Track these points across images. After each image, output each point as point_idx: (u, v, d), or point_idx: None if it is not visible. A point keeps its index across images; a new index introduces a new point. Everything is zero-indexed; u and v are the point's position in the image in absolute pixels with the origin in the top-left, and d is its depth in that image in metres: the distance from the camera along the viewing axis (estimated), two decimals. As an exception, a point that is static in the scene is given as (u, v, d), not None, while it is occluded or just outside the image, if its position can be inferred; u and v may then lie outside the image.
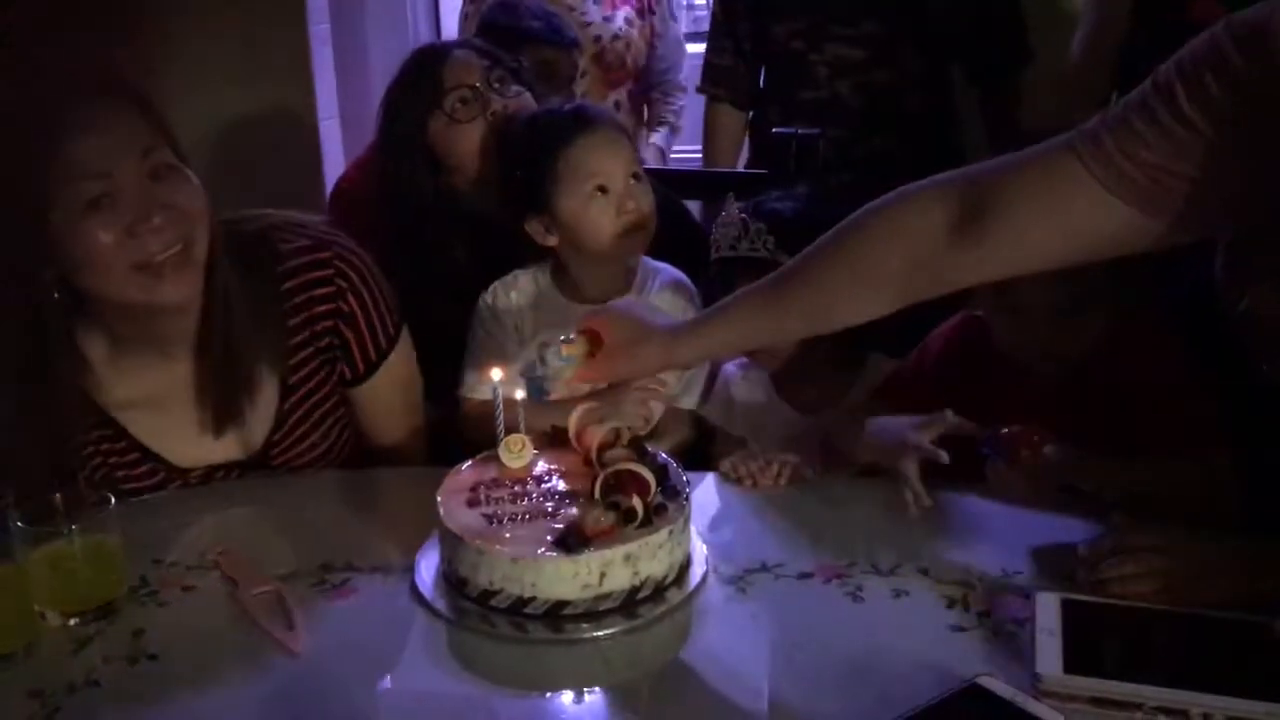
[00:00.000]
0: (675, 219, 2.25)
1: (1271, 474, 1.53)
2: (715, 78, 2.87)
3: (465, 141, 2.12)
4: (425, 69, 2.15)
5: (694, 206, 2.63)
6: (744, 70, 2.81)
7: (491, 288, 2.01)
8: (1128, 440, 1.61)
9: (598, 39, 3.20)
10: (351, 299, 1.76)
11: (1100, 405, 1.65)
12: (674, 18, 3.51)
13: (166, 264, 1.53)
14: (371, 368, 1.81)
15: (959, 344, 1.78)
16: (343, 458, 1.85)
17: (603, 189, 1.90)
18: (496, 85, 2.15)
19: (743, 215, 1.88)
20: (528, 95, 2.19)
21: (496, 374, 1.56)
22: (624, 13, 3.28)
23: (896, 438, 1.57)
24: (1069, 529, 1.51)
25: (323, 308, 1.74)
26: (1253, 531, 1.42)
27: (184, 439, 1.71)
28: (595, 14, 3.21)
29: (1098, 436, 1.63)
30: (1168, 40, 1.24)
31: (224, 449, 1.74)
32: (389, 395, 1.85)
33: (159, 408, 1.69)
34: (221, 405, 1.68)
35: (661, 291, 1.99)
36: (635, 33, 3.28)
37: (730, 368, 2.04)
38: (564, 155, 1.90)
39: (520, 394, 1.57)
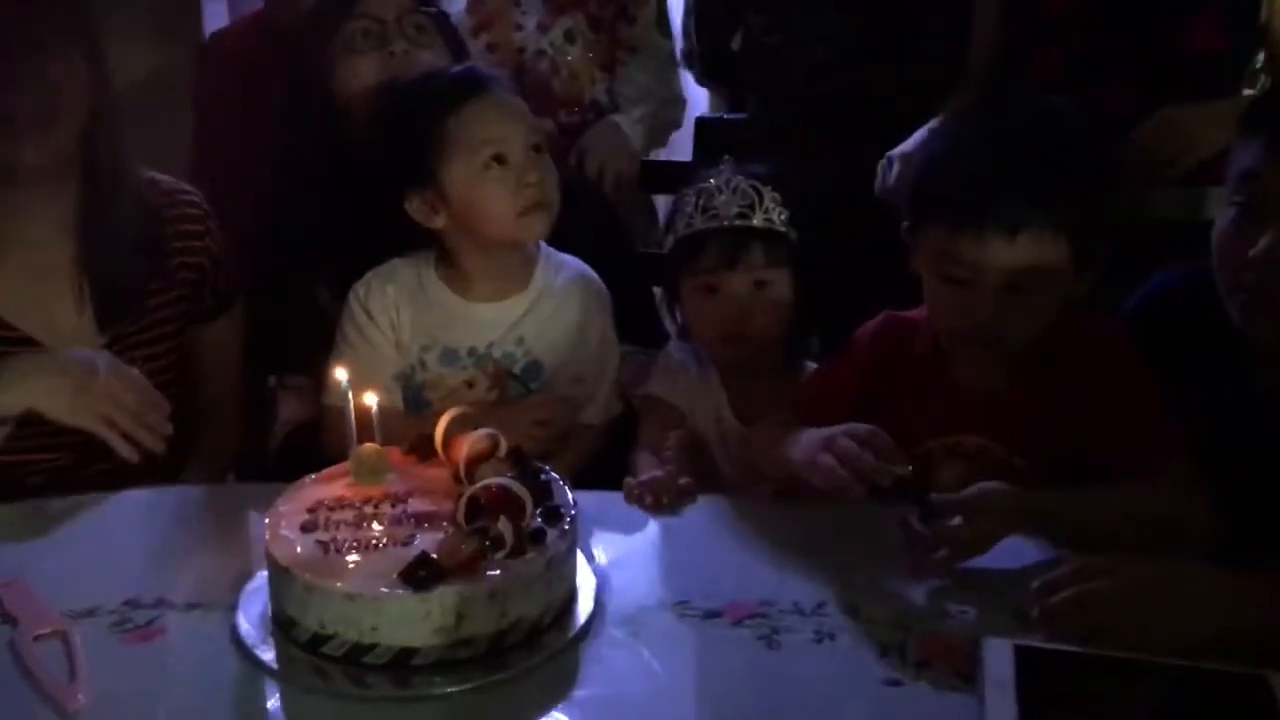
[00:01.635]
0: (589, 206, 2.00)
1: (1259, 492, 1.31)
2: (691, 62, 2.61)
3: (353, 78, 1.81)
4: None
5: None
6: (716, 58, 2.56)
7: (365, 279, 1.72)
8: (1074, 459, 1.42)
9: (520, 50, 2.43)
10: (218, 236, 1.76)
11: (1042, 413, 1.45)
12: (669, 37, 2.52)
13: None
14: (220, 309, 1.79)
15: (885, 344, 1.55)
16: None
17: (499, 158, 1.63)
18: (412, 32, 1.88)
19: (753, 183, 1.65)
20: (437, 54, 1.91)
21: (342, 374, 1.30)
22: (566, 24, 2.42)
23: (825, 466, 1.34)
24: (1019, 553, 1.30)
25: (196, 243, 1.74)
26: (1232, 560, 1.21)
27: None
28: (529, 23, 2.43)
29: (1037, 451, 1.44)
30: None
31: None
32: (227, 340, 1.81)
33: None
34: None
35: (568, 288, 1.74)
36: (575, 54, 2.45)
37: (677, 347, 1.78)
38: (453, 119, 1.63)
39: (371, 400, 1.31)
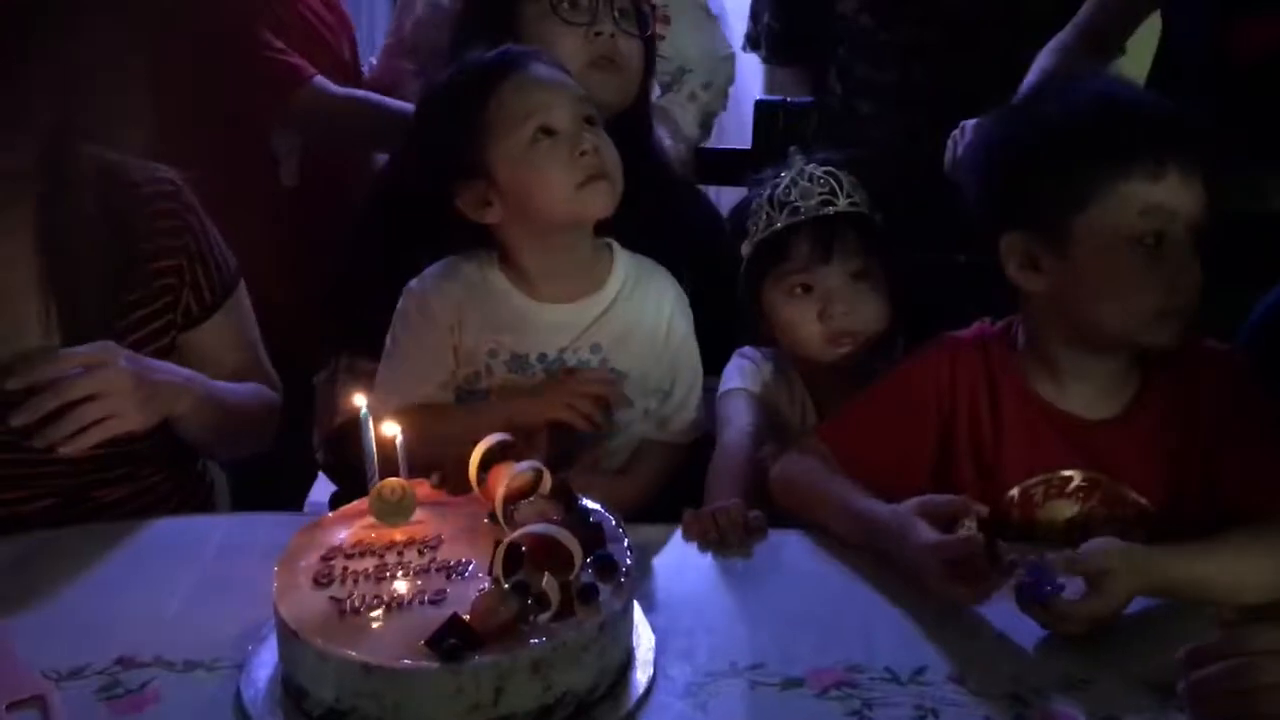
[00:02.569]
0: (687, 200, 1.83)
1: None
2: (771, 43, 2.42)
3: (560, 48, 1.62)
4: None
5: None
6: (799, 38, 2.37)
7: (422, 276, 1.54)
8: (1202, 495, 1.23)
9: None
10: (198, 224, 1.53)
11: (1155, 441, 1.28)
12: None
13: None
14: (212, 308, 1.54)
15: (938, 381, 1.34)
16: None
17: (546, 129, 1.45)
18: (618, 16, 1.68)
19: (828, 169, 1.52)
20: (633, 48, 1.71)
21: (361, 400, 1.13)
22: None
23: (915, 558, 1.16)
24: (1160, 614, 1.12)
25: (173, 242, 1.49)
26: None
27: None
28: None
29: (1154, 486, 1.27)
30: None
31: None
32: (230, 339, 1.58)
33: None
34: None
35: (647, 289, 1.55)
36: None
37: (751, 349, 1.60)
38: (493, 99, 1.46)
39: (393, 430, 1.14)
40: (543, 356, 1.50)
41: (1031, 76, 1.79)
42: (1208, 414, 1.26)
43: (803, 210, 1.49)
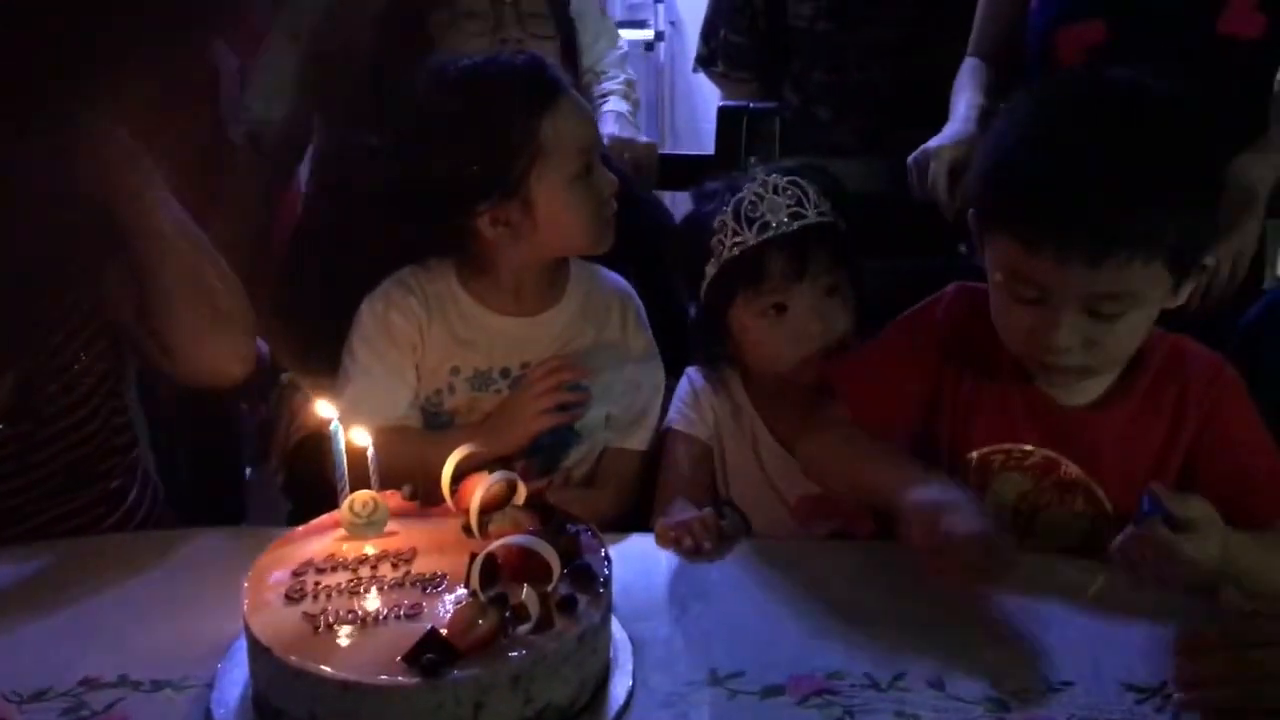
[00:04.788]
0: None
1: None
2: (730, 56, 2.42)
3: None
4: None
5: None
6: (757, 49, 2.37)
7: (382, 289, 1.51)
8: None
9: None
10: None
11: (1130, 437, 1.27)
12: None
13: None
14: None
15: (959, 328, 1.32)
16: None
17: (589, 168, 1.45)
18: (528, 19, 1.68)
19: (791, 178, 1.44)
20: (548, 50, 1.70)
21: (326, 408, 1.11)
22: None
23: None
24: (1139, 616, 1.11)
25: None
26: None
27: None
28: None
29: (1119, 482, 1.27)
30: None
31: None
32: None
33: None
34: None
35: (607, 301, 1.54)
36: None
37: (696, 372, 1.56)
38: (548, 122, 1.42)
39: (364, 439, 1.12)
40: (505, 371, 1.48)
41: (967, 110, 1.79)
42: (1194, 414, 1.25)
43: (773, 225, 1.42)
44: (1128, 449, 1.27)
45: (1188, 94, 1.17)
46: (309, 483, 1.44)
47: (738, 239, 1.43)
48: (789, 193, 1.43)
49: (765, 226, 1.42)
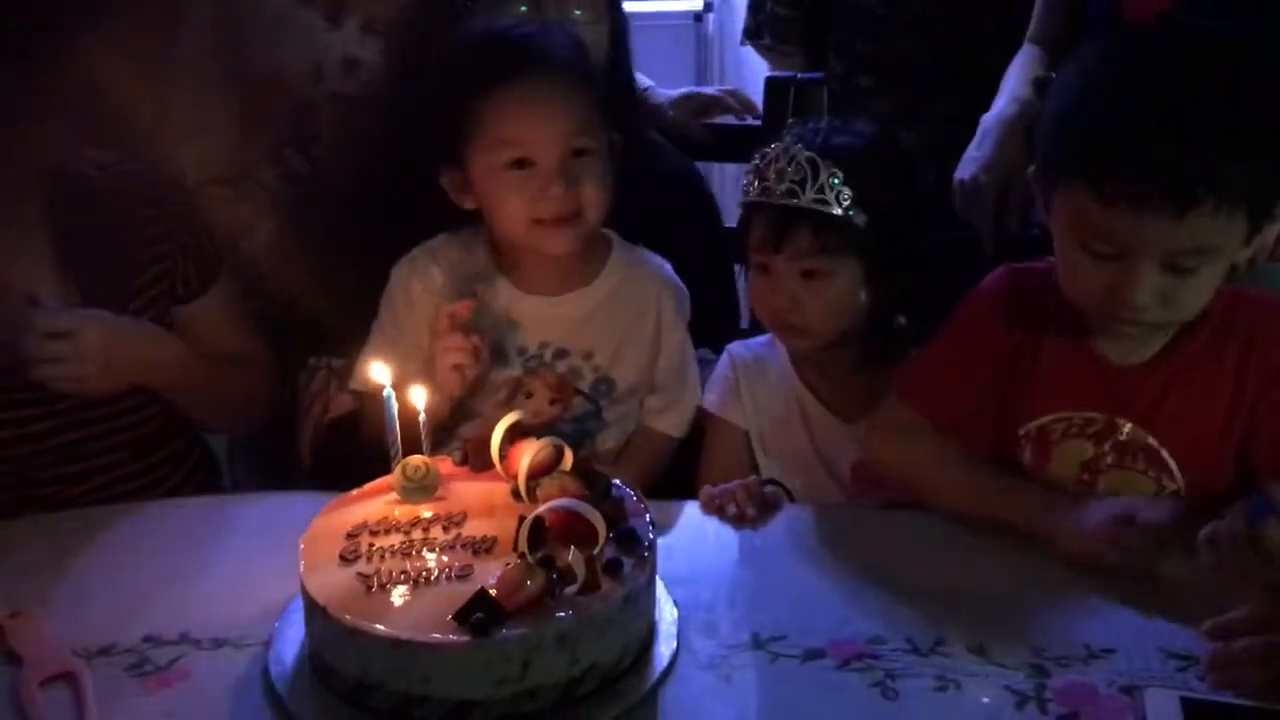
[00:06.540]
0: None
1: None
2: (776, 29, 2.43)
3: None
4: None
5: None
6: (803, 22, 2.38)
7: (410, 256, 1.53)
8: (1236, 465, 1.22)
9: None
10: (180, 222, 1.54)
11: (1197, 400, 1.25)
12: None
13: None
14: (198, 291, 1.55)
15: (1009, 312, 1.32)
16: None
17: (521, 163, 1.42)
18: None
19: (812, 155, 1.41)
20: (595, 32, 1.69)
21: (381, 370, 1.13)
22: None
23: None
24: (1180, 585, 1.12)
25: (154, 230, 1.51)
26: None
27: None
28: None
29: (1186, 446, 1.25)
30: None
31: None
32: (216, 314, 1.58)
33: None
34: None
35: (643, 290, 1.53)
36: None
37: (739, 348, 1.58)
38: (484, 103, 1.42)
39: (419, 400, 1.14)
40: (523, 350, 1.49)
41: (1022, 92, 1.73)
42: (1257, 361, 1.23)
43: (771, 192, 1.41)
44: (1187, 404, 1.26)
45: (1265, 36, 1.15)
46: (338, 468, 1.43)
47: (748, 189, 1.46)
48: (798, 167, 1.41)
49: (765, 190, 1.43)
